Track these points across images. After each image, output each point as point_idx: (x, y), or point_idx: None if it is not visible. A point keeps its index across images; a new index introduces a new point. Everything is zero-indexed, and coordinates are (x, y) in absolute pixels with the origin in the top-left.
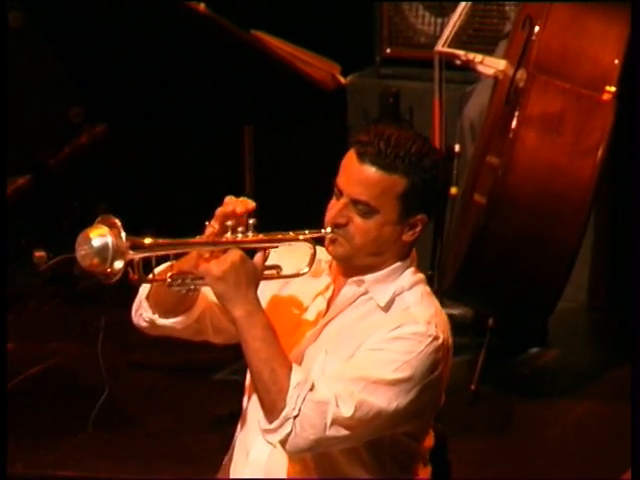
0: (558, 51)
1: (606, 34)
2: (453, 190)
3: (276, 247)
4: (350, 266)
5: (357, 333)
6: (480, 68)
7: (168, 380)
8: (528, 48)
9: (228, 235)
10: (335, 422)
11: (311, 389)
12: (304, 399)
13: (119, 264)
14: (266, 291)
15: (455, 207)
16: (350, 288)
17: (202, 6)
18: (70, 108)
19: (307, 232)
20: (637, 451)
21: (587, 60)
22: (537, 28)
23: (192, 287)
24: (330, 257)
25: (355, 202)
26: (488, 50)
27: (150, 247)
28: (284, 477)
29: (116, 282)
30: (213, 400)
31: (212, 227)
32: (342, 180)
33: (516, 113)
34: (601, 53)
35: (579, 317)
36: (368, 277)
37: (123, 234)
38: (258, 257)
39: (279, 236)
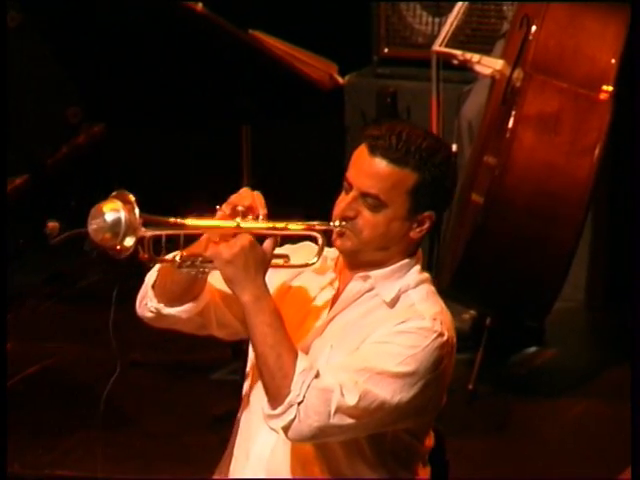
0: (555, 51)
1: (603, 34)
2: None
3: (285, 235)
4: (356, 261)
5: (362, 328)
6: (477, 68)
7: (166, 380)
8: (525, 48)
9: (238, 220)
10: (339, 410)
11: (316, 376)
12: (309, 386)
13: (130, 240)
14: (273, 281)
15: (452, 206)
16: (356, 284)
17: (200, 6)
18: (67, 108)
19: (316, 224)
20: (637, 451)
21: (584, 59)
22: (534, 28)
23: (201, 270)
24: (336, 255)
25: (365, 195)
26: (485, 50)
27: (162, 225)
28: (286, 473)
29: (126, 257)
30: (211, 400)
31: (223, 211)
32: (352, 173)
33: (513, 113)
34: (598, 52)
35: (577, 316)
36: (374, 273)
37: (137, 210)
38: (268, 243)
39: (289, 226)
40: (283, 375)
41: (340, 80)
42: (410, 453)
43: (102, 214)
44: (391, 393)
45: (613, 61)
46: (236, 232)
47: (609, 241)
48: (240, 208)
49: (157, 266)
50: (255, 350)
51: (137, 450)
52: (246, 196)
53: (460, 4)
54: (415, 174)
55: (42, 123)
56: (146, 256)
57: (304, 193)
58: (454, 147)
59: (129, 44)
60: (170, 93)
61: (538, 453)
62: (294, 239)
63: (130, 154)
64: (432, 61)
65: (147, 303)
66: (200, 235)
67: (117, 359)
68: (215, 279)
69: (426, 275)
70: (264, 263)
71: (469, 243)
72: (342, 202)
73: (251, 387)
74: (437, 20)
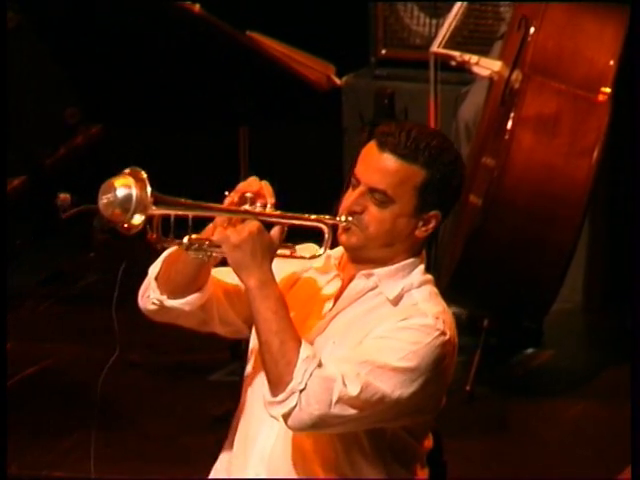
0: (553, 52)
1: (601, 35)
2: None
3: (291, 225)
4: (360, 257)
5: (365, 324)
6: (475, 69)
7: (165, 381)
8: (524, 49)
9: (247, 206)
10: (340, 400)
11: (319, 365)
12: (311, 374)
13: (140, 218)
14: (276, 277)
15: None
16: (359, 281)
17: (197, 7)
18: (65, 109)
19: (323, 217)
20: (637, 451)
21: (582, 61)
22: (532, 29)
23: (208, 254)
24: (339, 254)
25: (372, 190)
26: (483, 51)
27: (173, 205)
28: (286, 470)
29: (134, 234)
30: (210, 401)
31: (231, 198)
32: (360, 169)
33: (511, 114)
34: (596, 54)
35: (574, 318)
36: (378, 271)
37: (148, 188)
38: (275, 230)
39: (296, 215)
40: (286, 362)
41: (338, 81)
42: (409, 453)
43: (113, 189)
44: (392, 387)
45: (611, 62)
46: (244, 218)
47: (607, 243)
48: (248, 195)
49: (160, 258)
50: (259, 337)
51: (135, 451)
52: (254, 183)
53: (458, 5)
54: (424, 171)
55: (40, 124)
56: (154, 236)
57: (302, 194)
58: None
59: (127, 45)
60: (168, 94)
61: (536, 454)
62: (298, 239)
63: (128, 155)
64: (430, 62)
65: (150, 295)
66: (208, 220)
67: (117, 342)
68: (218, 275)
69: (429, 276)
70: (271, 250)
71: (467, 244)
72: (349, 197)
73: (251, 387)
74: (435, 21)
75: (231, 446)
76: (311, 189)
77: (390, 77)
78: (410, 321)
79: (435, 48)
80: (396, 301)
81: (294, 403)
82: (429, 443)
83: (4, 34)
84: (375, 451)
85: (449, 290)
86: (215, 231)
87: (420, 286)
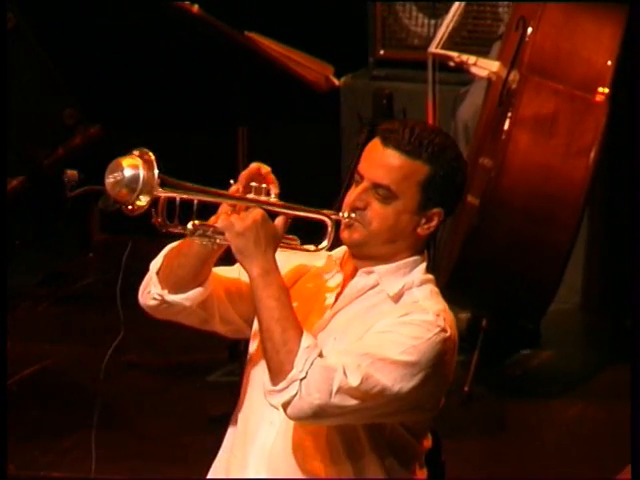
0: (551, 52)
1: (599, 35)
2: None
3: (295, 216)
4: (362, 254)
5: (366, 320)
6: (474, 70)
7: (163, 381)
8: (521, 49)
9: (252, 195)
10: (341, 390)
11: (320, 355)
12: (312, 363)
13: (145, 199)
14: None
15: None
16: (360, 279)
17: (196, 7)
18: (64, 109)
19: (326, 211)
20: (637, 451)
21: (580, 61)
22: (530, 29)
23: (212, 240)
24: (341, 254)
25: (376, 186)
26: (482, 52)
27: (179, 188)
28: (286, 467)
29: (139, 214)
30: (208, 401)
31: (236, 187)
32: (364, 165)
33: (509, 114)
34: (594, 54)
35: (572, 318)
36: (379, 268)
37: (156, 170)
38: (280, 220)
39: (300, 207)
40: (287, 350)
41: (336, 82)
42: (408, 451)
43: (121, 169)
44: (392, 381)
45: (609, 63)
46: (249, 206)
47: (605, 243)
48: (253, 184)
49: (162, 253)
50: (260, 325)
51: (133, 451)
52: (257, 165)
53: (456, 5)
54: (427, 167)
55: (39, 124)
56: (159, 220)
57: (300, 194)
58: None
59: (126, 45)
60: (166, 94)
61: (534, 454)
62: (300, 235)
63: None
64: (428, 63)
65: (151, 291)
66: (211, 211)
67: (121, 323)
68: (220, 273)
69: (430, 276)
70: (275, 239)
71: (465, 245)
72: (352, 194)
73: (250, 386)
74: (433, 22)
75: (230, 445)
76: (309, 189)
77: (388, 77)
78: (411, 317)
79: (433, 49)
80: (397, 298)
81: (294, 392)
82: (428, 443)
83: (4, 34)
84: (374, 449)
85: (447, 290)
86: (219, 217)
87: (421, 285)
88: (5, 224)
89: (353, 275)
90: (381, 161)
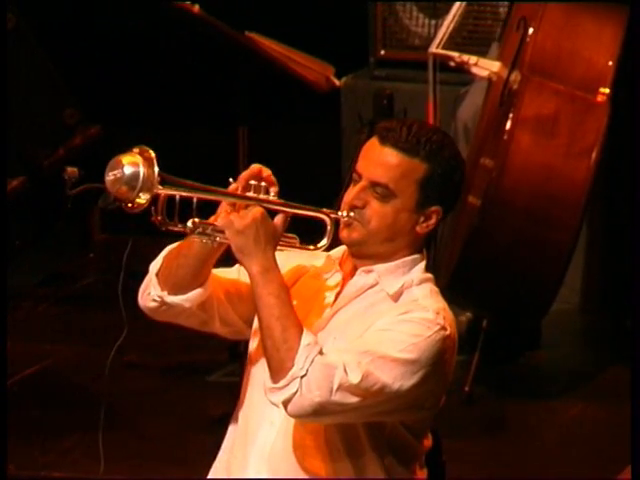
0: (552, 52)
1: (600, 35)
2: None
3: (294, 215)
4: (361, 253)
5: (365, 319)
6: (474, 70)
7: (163, 381)
8: (522, 50)
9: (251, 193)
10: (341, 387)
11: (320, 353)
12: (312, 360)
13: (145, 196)
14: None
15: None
16: (359, 278)
17: (196, 7)
18: (64, 109)
19: (325, 210)
20: (637, 451)
21: (581, 61)
22: (531, 29)
23: (211, 238)
24: (340, 254)
25: (374, 184)
26: (482, 52)
27: (179, 185)
28: (287, 467)
29: (139, 212)
30: (208, 401)
31: (235, 186)
32: (362, 164)
33: (510, 115)
34: (595, 55)
35: (572, 319)
36: (378, 267)
37: (156, 167)
38: (279, 218)
39: (299, 206)
40: (288, 348)
41: (336, 82)
42: (408, 451)
43: (121, 166)
44: (392, 378)
45: (610, 63)
46: (248, 204)
47: (605, 244)
48: (252, 183)
49: (161, 255)
50: (260, 323)
51: (134, 451)
52: (257, 167)
53: (456, 6)
54: (425, 165)
55: (38, 125)
56: (159, 218)
57: (300, 194)
58: None
59: (126, 45)
60: (167, 94)
61: (534, 455)
62: (300, 235)
63: None
64: (429, 63)
65: (150, 292)
66: (211, 211)
67: (125, 322)
68: (219, 275)
69: (429, 275)
70: (274, 237)
71: (466, 245)
72: (350, 193)
73: (250, 385)
74: (433, 22)
75: (230, 445)
76: (309, 189)
77: (389, 78)
78: (411, 314)
79: (434, 49)
80: (396, 297)
81: (295, 389)
82: (428, 442)
83: (4, 34)
84: (374, 448)
85: (448, 291)
86: (219, 215)
87: (420, 283)
88: (5, 224)
89: (352, 274)
90: (379, 160)
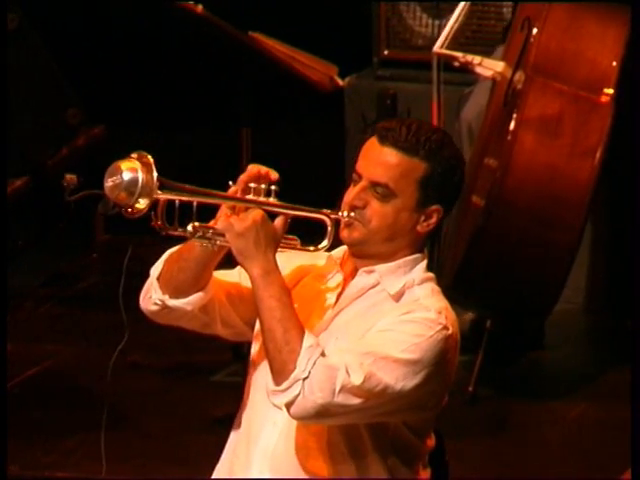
0: (556, 53)
1: (604, 36)
2: None
3: (294, 216)
4: (362, 253)
5: (367, 320)
6: (478, 70)
7: (166, 382)
8: (526, 50)
9: (251, 196)
10: (344, 389)
11: (322, 355)
12: (315, 362)
13: (145, 202)
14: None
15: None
16: (360, 279)
17: (200, 7)
18: (67, 109)
19: (325, 211)
20: (637, 452)
21: (585, 62)
22: (535, 30)
23: (212, 242)
24: (341, 254)
25: (374, 184)
26: (486, 52)
27: (178, 190)
28: (289, 468)
29: (139, 218)
30: (211, 402)
31: (235, 188)
32: (362, 164)
33: (514, 115)
34: (599, 55)
35: (576, 319)
36: (379, 267)
37: (154, 172)
38: (279, 220)
39: (299, 207)
40: (290, 350)
41: (340, 82)
42: (412, 451)
43: (120, 172)
44: (395, 379)
45: (614, 63)
46: (248, 207)
47: (609, 244)
48: (252, 185)
49: (162, 258)
50: (262, 325)
51: (137, 451)
52: (257, 167)
53: (460, 6)
54: (425, 164)
55: (42, 125)
56: (159, 223)
57: (304, 194)
58: None
59: (129, 45)
60: (170, 94)
61: (538, 455)
62: (300, 236)
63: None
64: (432, 63)
65: (152, 296)
66: (212, 208)
67: (126, 326)
68: (220, 277)
69: (431, 274)
70: (275, 239)
71: (470, 245)
72: (350, 193)
73: (253, 386)
74: (437, 22)
75: (233, 447)
76: (313, 189)
77: (393, 78)
78: (413, 315)
79: (438, 49)
80: (398, 297)
81: (297, 391)
82: (431, 443)
83: (4, 34)
84: (377, 448)
85: (452, 291)
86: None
87: (422, 283)
88: (8, 224)
89: (353, 275)
90: (379, 159)
